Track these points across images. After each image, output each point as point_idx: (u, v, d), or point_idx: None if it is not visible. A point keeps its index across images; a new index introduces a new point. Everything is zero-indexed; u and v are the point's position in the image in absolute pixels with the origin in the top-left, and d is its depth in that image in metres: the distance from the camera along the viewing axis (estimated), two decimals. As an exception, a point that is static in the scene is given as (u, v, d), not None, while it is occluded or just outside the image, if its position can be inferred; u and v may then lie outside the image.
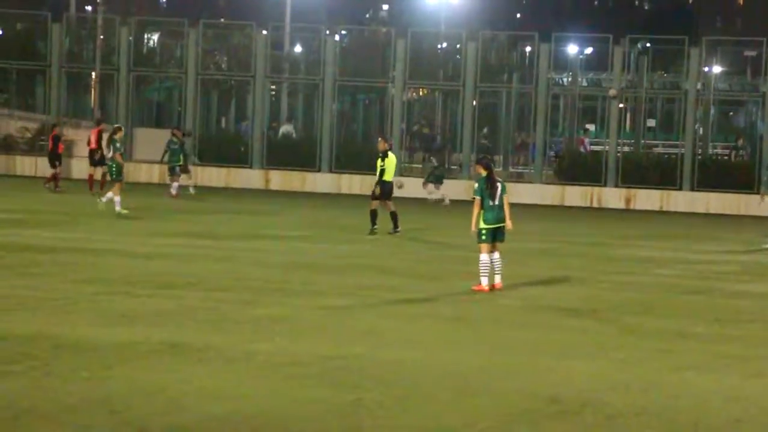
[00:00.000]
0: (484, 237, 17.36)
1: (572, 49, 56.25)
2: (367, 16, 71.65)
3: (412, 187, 36.89)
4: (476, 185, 17.56)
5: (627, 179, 42.06)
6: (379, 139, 27.80)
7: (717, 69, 51.89)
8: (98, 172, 35.36)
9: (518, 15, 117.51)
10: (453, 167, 45.78)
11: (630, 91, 47.54)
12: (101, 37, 44.94)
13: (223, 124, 53.62)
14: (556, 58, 47.30)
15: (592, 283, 19.46)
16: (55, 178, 35.78)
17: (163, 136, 37.53)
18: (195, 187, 37.03)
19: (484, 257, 17.24)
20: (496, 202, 17.43)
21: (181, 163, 36.17)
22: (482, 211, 17.37)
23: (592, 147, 48.92)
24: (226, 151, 44.36)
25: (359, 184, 41.99)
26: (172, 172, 35.96)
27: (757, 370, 12.41)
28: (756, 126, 49.81)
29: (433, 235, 27.28)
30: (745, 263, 24.29)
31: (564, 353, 12.79)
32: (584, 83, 52.48)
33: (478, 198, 17.41)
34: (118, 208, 27.97)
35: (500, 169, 41.63)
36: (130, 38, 45.00)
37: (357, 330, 13.68)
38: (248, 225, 28.09)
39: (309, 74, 46.74)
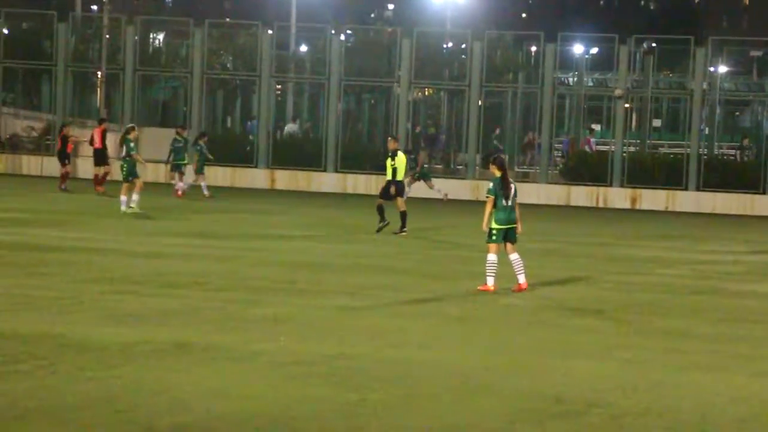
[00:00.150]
0: (494, 237, 17.34)
1: (578, 48, 56.19)
2: (373, 15, 71.66)
3: (416, 187, 36.82)
4: (490, 185, 17.51)
5: (633, 179, 42.03)
6: (389, 138, 27.88)
7: (723, 69, 51.81)
8: (102, 172, 35.40)
9: (524, 15, 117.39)
10: (459, 167, 45.77)
11: (636, 91, 47.54)
12: (107, 36, 45.00)
13: (229, 124, 53.64)
14: (561, 57, 47.31)
15: (598, 283, 19.45)
16: (64, 177, 35.79)
17: (168, 135, 37.51)
18: (208, 187, 36.30)
19: (491, 257, 17.22)
20: (509, 203, 17.42)
21: (186, 162, 36.12)
22: (494, 211, 17.35)
23: (597, 147, 48.89)
24: (231, 150, 44.36)
25: (364, 183, 42.02)
26: (177, 170, 35.87)
27: (763, 369, 12.40)
28: (762, 126, 49.79)
29: (438, 235, 27.26)
30: (751, 263, 24.25)
31: (569, 353, 12.79)
32: (590, 83, 52.48)
33: (491, 197, 17.38)
34: (123, 207, 28.05)
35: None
36: (136, 38, 45.02)
37: (362, 329, 13.68)
38: (253, 224, 28.11)
39: (314, 74, 46.77)
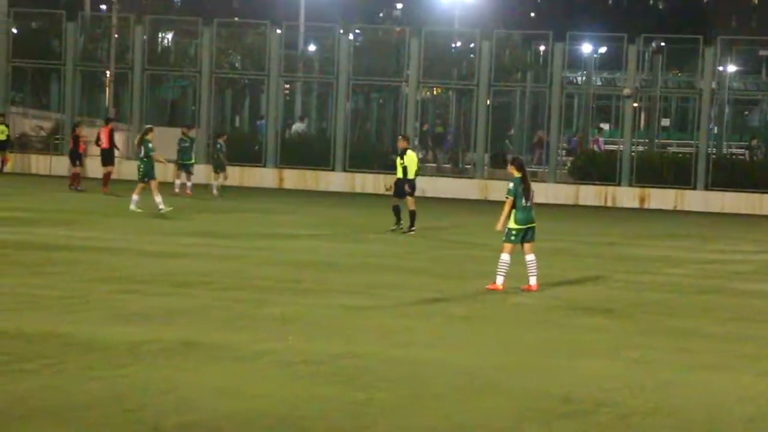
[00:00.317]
0: (513, 237, 17.32)
1: (586, 48, 56.16)
2: (381, 15, 71.53)
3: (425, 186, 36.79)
4: (510, 185, 17.47)
5: (641, 178, 41.96)
6: (400, 137, 27.87)
7: (732, 68, 51.77)
8: (107, 171, 35.40)
9: (532, 14, 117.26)
10: (467, 166, 45.73)
11: (644, 90, 47.44)
12: (116, 35, 45.03)
13: (237, 123, 53.66)
14: (570, 57, 47.24)
15: (606, 282, 19.42)
16: (75, 177, 35.79)
17: (177, 135, 37.53)
18: (218, 188, 36.29)
19: (505, 257, 17.18)
20: (529, 203, 17.40)
21: (193, 161, 36.17)
22: (514, 211, 17.33)
23: (606, 146, 48.82)
24: (239, 149, 44.33)
25: (372, 183, 42.01)
26: (184, 170, 35.92)
27: (771, 369, 12.37)
28: (770, 125, 49.72)
29: (447, 234, 27.25)
30: (759, 263, 24.21)
31: (577, 352, 12.77)
32: (598, 82, 52.40)
33: (510, 198, 17.35)
34: (132, 206, 28.12)
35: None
36: (145, 37, 45.04)
37: (369, 329, 13.67)
38: (261, 224, 28.11)
39: (323, 73, 46.78)
